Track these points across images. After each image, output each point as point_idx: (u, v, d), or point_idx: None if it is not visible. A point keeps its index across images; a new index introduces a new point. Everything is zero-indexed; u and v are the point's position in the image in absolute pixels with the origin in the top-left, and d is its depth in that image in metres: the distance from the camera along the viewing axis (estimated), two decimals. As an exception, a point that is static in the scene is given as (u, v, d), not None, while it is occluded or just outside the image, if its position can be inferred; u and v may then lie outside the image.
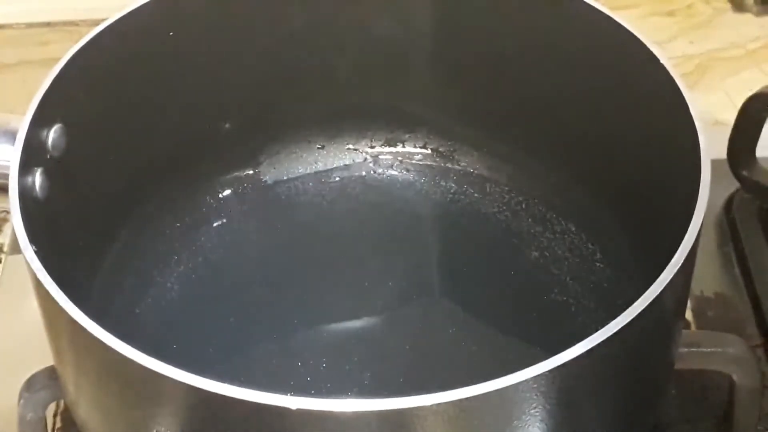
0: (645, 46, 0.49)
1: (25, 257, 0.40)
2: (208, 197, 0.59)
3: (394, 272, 0.57)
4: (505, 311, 0.57)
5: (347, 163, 0.62)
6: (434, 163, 0.62)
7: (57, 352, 0.44)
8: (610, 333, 0.37)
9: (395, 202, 0.61)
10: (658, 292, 0.38)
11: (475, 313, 0.57)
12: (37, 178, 0.45)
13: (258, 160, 0.61)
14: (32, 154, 0.45)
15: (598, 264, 0.57)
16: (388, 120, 0.62)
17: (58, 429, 0.55)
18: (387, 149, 0.62)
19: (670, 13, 0.82)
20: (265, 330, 0.56)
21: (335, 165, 0.62)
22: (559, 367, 0.36)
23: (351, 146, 0.62)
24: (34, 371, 0.49)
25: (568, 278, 0.57)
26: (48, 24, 0.79)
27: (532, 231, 0.59)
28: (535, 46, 0.54)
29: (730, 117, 0.62)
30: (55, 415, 0.55)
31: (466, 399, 0.35)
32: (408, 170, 0.62)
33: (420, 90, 0.60)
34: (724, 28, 0.80)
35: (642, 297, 0.38)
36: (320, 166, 0.62)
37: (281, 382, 0.52)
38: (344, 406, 0.35)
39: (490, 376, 0.36)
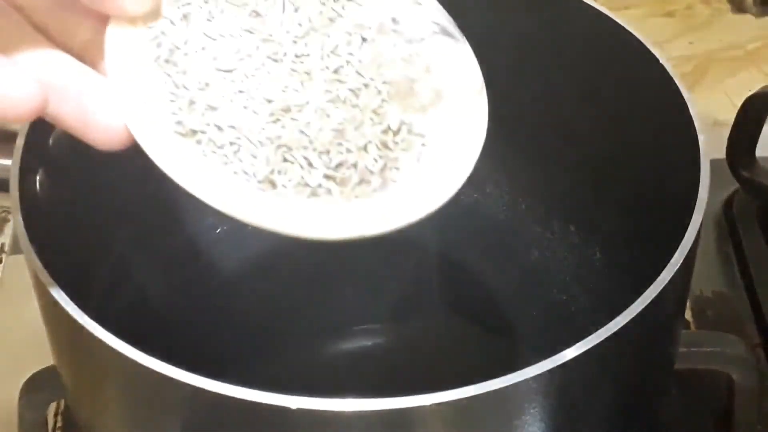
0: (645, 46, 0.49)
1: (25, 257, 0.40)
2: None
3: (393, 272, 0.57)
4: (504, 311, 0.57)
5: (347, 163, 0.62)
6: (434, 164, 0.62)
7: (57, 352, 0.44)
8: (610, 333, 0.37)
9: (395, 203, 0.61)
10: (657, 292, 0.38)
11: (475, 313, 0.57)
12: (38, 178, 0.45)
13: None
14: (33, 154, 0.45)
15: (598, 264, 0.57)
16: (388, 120, 0.61)
17: (58, 429, 0.55)
18: (387, 149, 0.62)
19: (670, 14, 0.82)
20: (265, 330, 0.56)
21: (335, 165, 0.62)
22: (559, 367, 0.36)
23: (351, 146, 0.62)
24: (34, 371, 0.49)
25: (568, 278, 0.57)
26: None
27: (532, 231, 0.59)
28: (535, 47, 0.54)
29: (730, 117, 0.62)
30: (55, 415, 0.55)
31: (466, 399, 0.35)
32: (408, 170, 0.62)
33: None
34: (724, 28, 0.81)
35: (642, 297, 0.38)
36: (320, 167, 0.62)
37: (281, 382, 0.52)
38: (344, 406, 0.35)
39: (490, 376, 0.36)
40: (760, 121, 0.61)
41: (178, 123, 0.37)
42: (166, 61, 0.38)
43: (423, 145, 0.40)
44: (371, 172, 0.39)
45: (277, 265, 0.58)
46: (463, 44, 0.43)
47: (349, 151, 0.39)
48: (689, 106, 0.46)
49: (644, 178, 0.51)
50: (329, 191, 0.38)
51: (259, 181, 0.37)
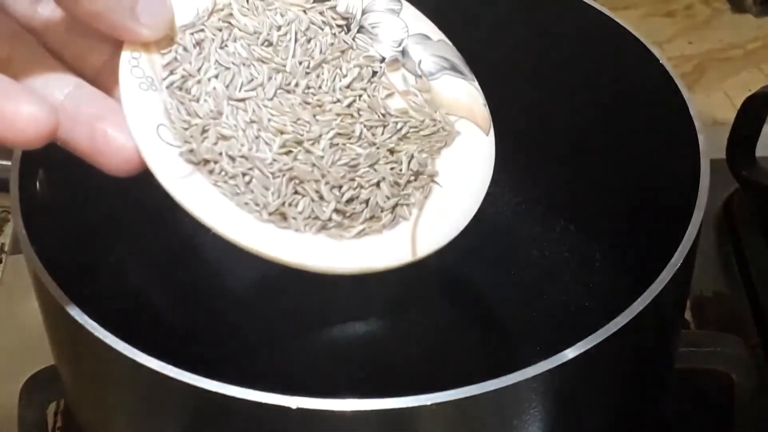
0: (644, 46, 0.49)
1: (25, 257, 0.40)
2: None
3: (393, 272, 0.57)
4: (504, 311, 0.57)
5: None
6: (434, 164, 0.62)
7: (57, 352, 0.44)
8: (610, 333, 0.37)
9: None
10: (657, 292, 0.38)
11: (475, 313, 0.57)
12: (38, 178, 0.45)
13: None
14: (33, 154, 0.45)
15: (598, 264, 0.57)
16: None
17: (58, 429, 0.55)
18: (387, 149, 0.62)
19: (670, 14, 0.82)
20: (265, 330, 0.56)
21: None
22: (559, 366, 0.36)
23: (351, 146, 0.62)
24: (34, 371, 0.49)
25: (568, 278, 0.57)
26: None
27: (532, 231, 0.59)
28: (535, 46, 0.54)
29: (730, 117, 0.62)
30: (55, 415, 0.55)
31: (466, 399, 0.35)
32: (408, 170, 0.62)
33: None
34: (724, 28, 0.81)
35: (641, 297, 0.38)
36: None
37: (281, 382, 0.52)
38: (344, 406, 0.35)
39: (490, 376, 0.36)
40: (760, 121, 0.61)
41: (191, 151, 0.37)
42: (179, 88, 0.38)
43: (434, 184, 0.40)
44: (382, 209, 0.39)
45: (276, 263, 0.58)
46: (472, 81, 0.43)
47: (361, 187, 0.39)
48: (689, 106, 0.46)
49: (644, 178, 0.51)
50: (339, 225, 0.38)
51: (270, 213, 0.37)
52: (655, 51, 0.48)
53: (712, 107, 0.72)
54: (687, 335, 0.48)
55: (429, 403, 0.35)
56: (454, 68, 0.43)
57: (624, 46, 0.49)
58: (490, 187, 0.60)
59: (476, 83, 0.43)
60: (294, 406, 0.35)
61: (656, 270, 0.39)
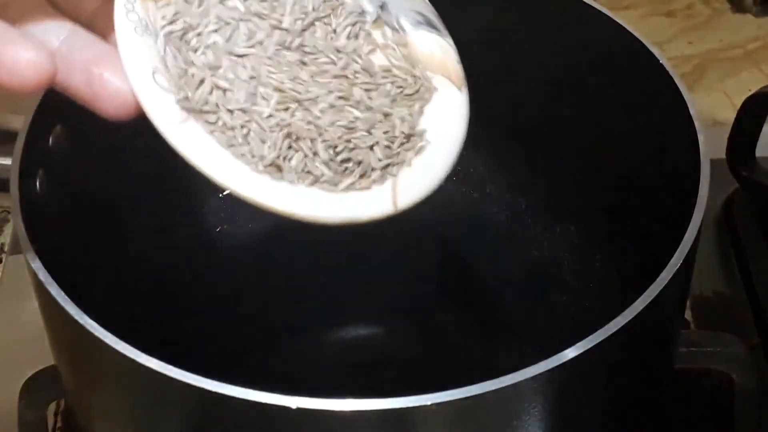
0: (644, 46, 0.49)
1: (25, 257, 0.40)
2: (209, 197, 0.59)
3: (394, 272, 0.57)
4: (505, 311, 0.57)
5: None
6: (434, 164, 0.62)
7: (57, 352, 0.44)
8: (610, 332, 0.37)
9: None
10: (657, 292, 0.38)
11: (475, 313, 0.57)
12: (39, 178, 0.45)
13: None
14: (34, 154, 0.45)
15: (598, 264, 0.57)
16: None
17: (58, 429, 0.55)
18: (387, 149, 0.62)
19: (670, 14, 0.82)
20: (266, 330, 0.56)
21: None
22: (559, 366, 0.36)
23: (351, 146, 0.62)
24: (34, 371, 0.49)
25: (568, 278, 0.57)
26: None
27: (532, 231, 0.59)
28: (535, 46, 0.54)
29: (730, 117, 0.62)
30: (55, 415, 0.55)
31: (466, 399, 0.35)
32: (408, 170, 0.62)
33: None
34: (724, 28, 0.81)
35: (641, 297, 0.38)
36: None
37: (281, 382, 0.52)
38: (344, 406, 0.35)
39: (490, 376, 0.36)
40: (760, 121, 0.61)
41: (186, 98, 0.37)
42: (180, 38, 0.38)
43: (422, 141, 0.41)
44: (374, 169, 0.39)
45: (276, 264, 0.58)
46: (446, 37, 0.43)
47: (358, 147, 0.39)
48: (689, 106, 0.46)
49: (644, 177, 0.51)
50: (331, 181, 0.39)
51: (266, 165, 0.38)
52: (655, 51, 0.48)
53: (712, 107, 0.72)
54: (687, 335, 0.48)
55: (429, 403, 0.35)
56: (429, 23, 0.44)
57: (624, 46, 0.49)
58: (490, 187, 0.61)
59: (450, 39, 0.44)
60: (294, 406, 0.35)
61: (656, 270, 0.39)
